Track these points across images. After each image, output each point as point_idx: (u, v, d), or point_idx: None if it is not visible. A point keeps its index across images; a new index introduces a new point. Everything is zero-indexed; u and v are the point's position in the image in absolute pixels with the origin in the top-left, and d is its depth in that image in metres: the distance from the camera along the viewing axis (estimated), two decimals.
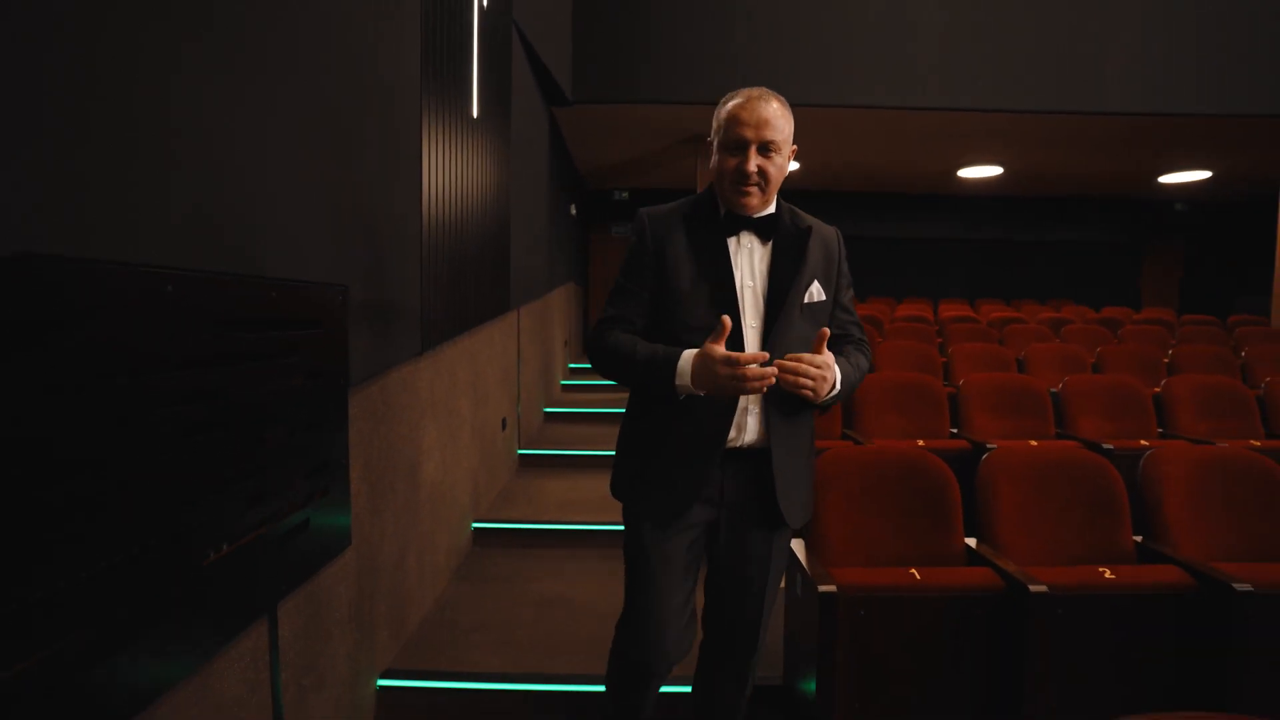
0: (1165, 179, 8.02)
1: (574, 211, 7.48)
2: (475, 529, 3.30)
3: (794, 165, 7.51)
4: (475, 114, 3.15)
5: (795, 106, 1.52)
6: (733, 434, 1.46)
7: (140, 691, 1.06)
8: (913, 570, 1.87)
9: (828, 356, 1.37)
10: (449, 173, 2.79)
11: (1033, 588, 1.73)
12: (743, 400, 1.44)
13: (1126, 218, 9.75)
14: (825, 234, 1.54)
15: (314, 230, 1.68)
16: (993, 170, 7.62)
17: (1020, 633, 1.77)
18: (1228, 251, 9.72)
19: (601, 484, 4.05)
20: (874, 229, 9.64)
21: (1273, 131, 5.96)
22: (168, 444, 1.10)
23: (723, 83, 5.42)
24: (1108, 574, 1.85)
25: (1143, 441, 3.00)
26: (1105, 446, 2.87)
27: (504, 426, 3.99)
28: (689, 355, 1.36)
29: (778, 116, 1.40)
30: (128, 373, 1.02)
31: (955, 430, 3.37)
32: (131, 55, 1.06)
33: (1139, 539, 2.10)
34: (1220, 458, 2.16)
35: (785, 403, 1.46)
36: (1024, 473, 2.13)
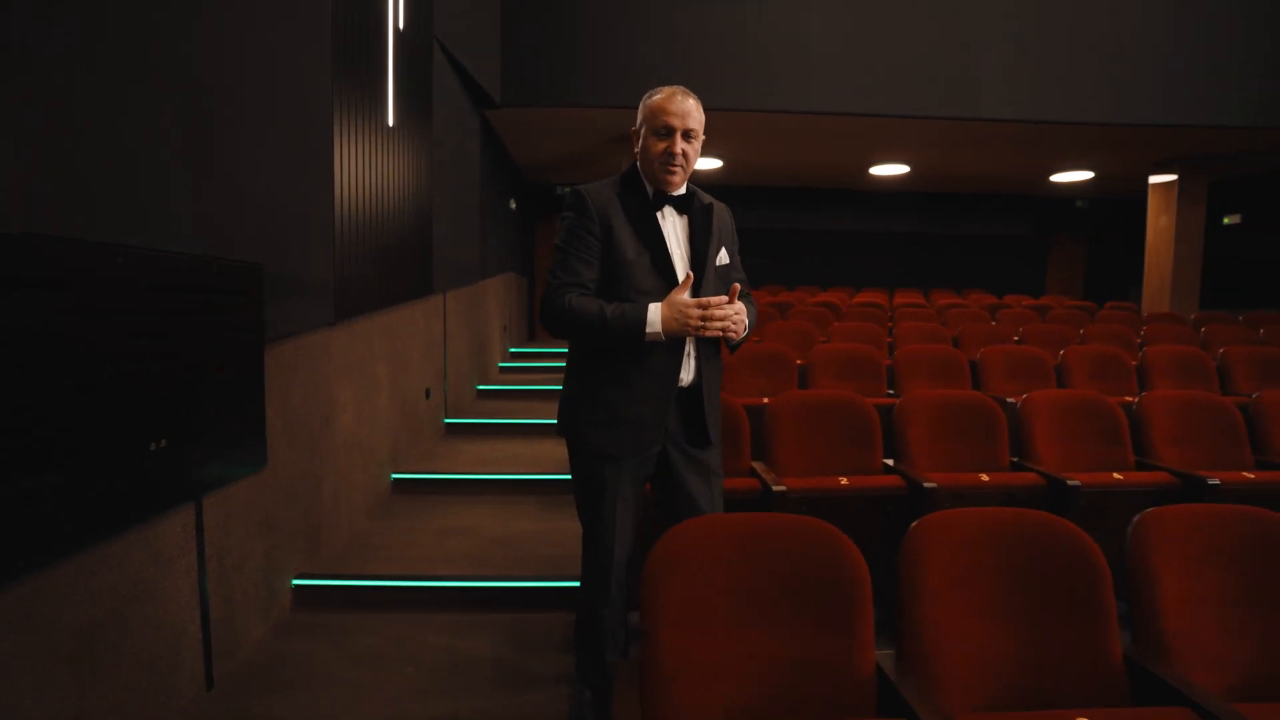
0: (1056, 178, 8.78)
1: (514, 206, 7.99)
2: (395, 479, 3.83)
3: (718, 163, 8.12)
4: (391, 122, 3.67)
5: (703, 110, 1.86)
6: (681, 376, 1.76)
7: (115, 523, 1.60)
8: None
9: (741, 304, 1.72)
10: (363, 174, 3.31)
11: (775, 488, 2.33)
12: (686, 347, 1.75)
13: (1033, 213, 10.55)
14: (720, 209, 1.87)
15: (238, 219, 2.21)
16: (900, 168, 8.30)
17: None
18: (1125, 245, 10.55)
19: (519, 447, 4.60)
20: (796, 222, 10.31)
21: (1130, 138, 6.69)
22: (127, 366, 1.64)
23: (639, 89, 5.95)
24: (844, 481, 2.46)
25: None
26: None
27: (428, 396, 4.52)
28: (654, 307, 1.64)
29: (696, 109, 1.72)
30: (100, 314, 1.55)
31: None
32: (103, 96, 1.59)
33: (889, 461, 2.73)
34: (954, 401, 2.79)
35: (709, 348, 1.81)
36: (799, 415, 2.73)
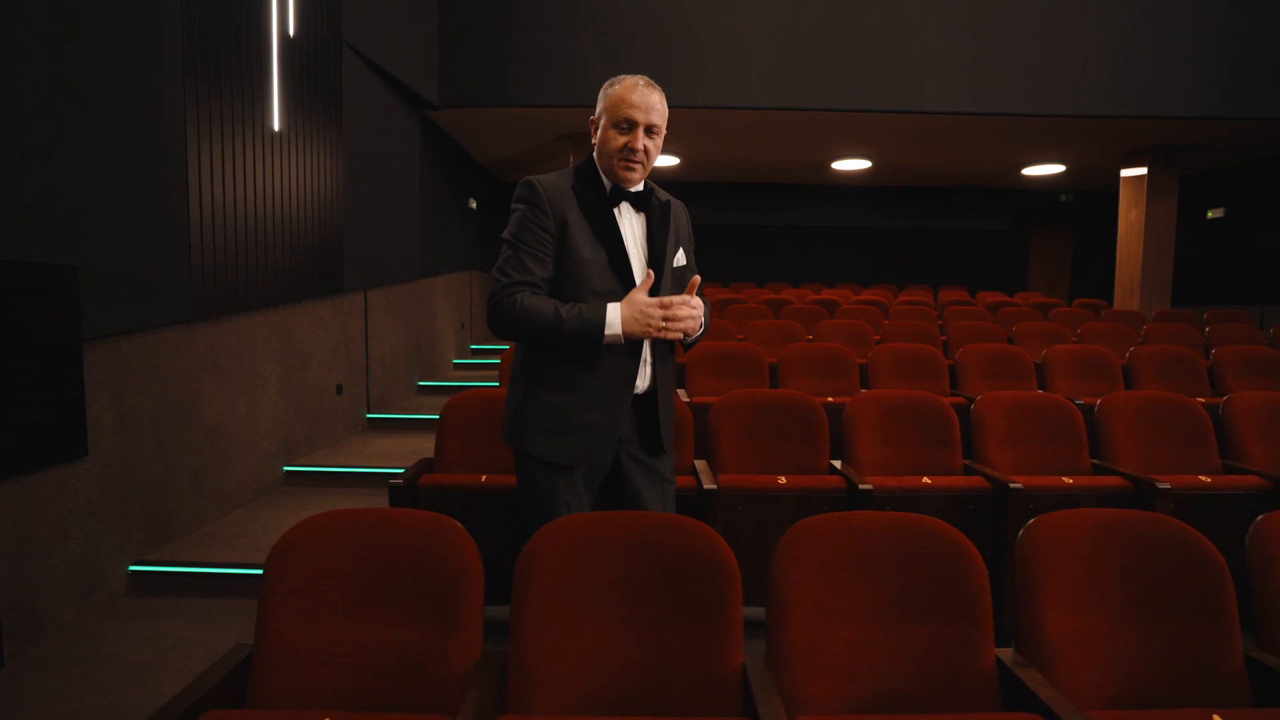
0: (1028, 171, 8.58)
1: (474, 205, 8.11)
2: (287, 471, 3.97)
3: (674, 160, 8.13)
4: (277, 127, 3.79)
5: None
6: (637, 381, 1.66)
7: None
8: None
9: (699, 300, 1.64)
10: (237, 178, 3.43)
11: (706, 486, 2.37)
12: (642, 350, 1.66)
13: (1012, 207, 10.31)
14: (678, 207, 1.79)
15: (51, 219, 2.32)
16: (862, 163, 8.20)
17: None
18: (1110, 239, 10.25)
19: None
20: (761, 218, 10.28)
21: (1091, 130, 6.52)
22: None
23: (577, 88, 6.05)
24: (782, 480, 2.48)
25: (834, 398, 3.64)
26: (826, 399, 3.50)
27: (340, 391, 4.65)
28: (614, 307, 1.55)
29: (660, 103, 1.63)
30: None
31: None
32: None
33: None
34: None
35: (663, 349, 1.71)
36: (742, 415, 2.76)
